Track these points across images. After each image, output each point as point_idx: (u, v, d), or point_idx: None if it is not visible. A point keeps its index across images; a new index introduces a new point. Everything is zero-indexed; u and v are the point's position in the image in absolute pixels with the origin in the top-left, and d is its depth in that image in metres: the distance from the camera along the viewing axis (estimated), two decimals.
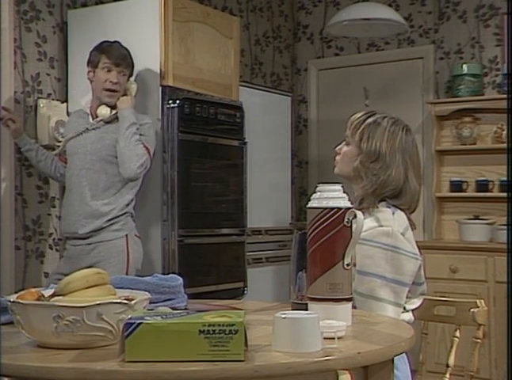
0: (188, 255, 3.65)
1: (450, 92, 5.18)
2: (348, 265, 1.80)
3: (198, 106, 3.73)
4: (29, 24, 3.75)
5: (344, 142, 2.38)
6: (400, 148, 2.22)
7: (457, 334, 2.35)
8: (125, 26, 3.71)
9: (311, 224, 1.82)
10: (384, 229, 2.14)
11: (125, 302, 1.47)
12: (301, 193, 5.86)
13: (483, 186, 4.94)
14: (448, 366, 2.33)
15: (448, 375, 2.30)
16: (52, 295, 1.53)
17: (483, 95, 5.01)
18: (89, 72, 3.36)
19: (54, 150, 3.78)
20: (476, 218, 4.90)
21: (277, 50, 5.68)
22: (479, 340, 2.30)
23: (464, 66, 5.02)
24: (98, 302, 1.44)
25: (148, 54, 3.61)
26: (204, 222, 3.79)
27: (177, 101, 3.59)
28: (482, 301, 2.35)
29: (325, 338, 1.53)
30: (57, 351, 1.46)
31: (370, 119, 2.27)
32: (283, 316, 1.49)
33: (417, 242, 5.05)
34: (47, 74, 3.81)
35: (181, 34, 3.69)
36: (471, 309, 2.30)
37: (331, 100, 5.76)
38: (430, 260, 4.75)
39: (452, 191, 5.06)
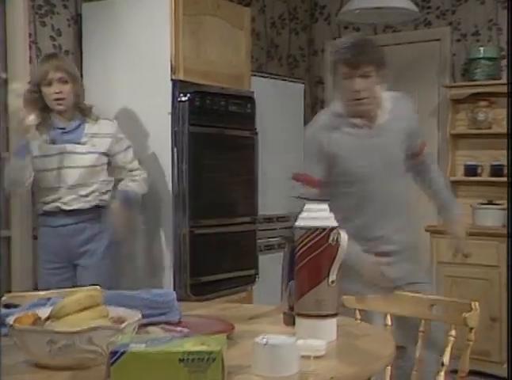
0: (199, 245, 3.75)
1: (466, 75, 5.17)
2: (333, 282, 1.88)
3: (209, 99, 3.79)
4: (44, 19, 3.83)
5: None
6: None
7: (453, 333, 2.40)
8: (137, 20, 3.77)
9: (299, 243, 1.90)
10: None
11: (115, 326, 1.57)
12: None
13: (497, 170, 4.95)
14: (443, 364, 2.39)
15: (443, 374, 2.38)
16: (47, 318, 1.64)
17: (499, 79, 4.99)
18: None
19: None
20: (490, 203, 4.92)
21: (293, 32, 5.70)
22: (470, 343, 2.35)
23: (481, 49, 5.00)
24: (89, 328, 1.54)
25: (159, 48, 3.67)
26: (216, 212, 3.88)
27: (188, 95, 3.66)
28: (476, 303, 2.39)
29: (305, 357, 1.63)
30: (52, 372, 1.57)
31: None
32: (263, 341, 1.57)
33: (430, 226, 4.97)
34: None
35: (192, 27, 3.74)
36: (463, 314, 2.35)
37: None
38: (443, 244, 4.80)
39: (466, 175, 5.07)
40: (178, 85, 3.65)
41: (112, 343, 1.55)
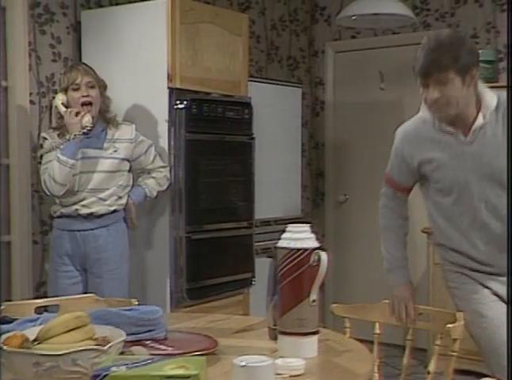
0: (196, 250, 3.81)
1: None
2: (314, 301, 1.94)
3: (206, 106, 3.84)
4: (44, 27, 3.88)
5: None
6: None
7: (438, 342, 2.46)
8: (135, 28, 3.82)
9: (281, 263, 1.96)
10: None
11: (98, 348, 1.64)
12: (318, 174, 5.98)
13: None
14: (429, 372, 2.45)
15: None
16: (35, 340, 1.71)
17: (497, 82, 5.01)
18: None
19: None
20: None
21: (293, 33, 5.73)
22: (454, 354, 2.40)
23: (479, 51, 5.01)
24: (73, 350, 1.61)
25: (156, 56, 3.73)
26: (213, 217, 3.94)
27: (185, 102, 3.72)
28: (461, 314, 2.43)
29: (284, 376, 1.70)
30: None
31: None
32: (241, 363, 1.64)
33: (427, 227, 5.02)
34: (62, 74, 3.94)
35: (189, 36, 3.79)
36: (447, 325, 2.39)
37: (348, 82, 5.82)
38: None
39: None
40: (175, 93, 3.71)
41: (96, 363, 1.61)
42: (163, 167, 3.68)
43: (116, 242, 3.51)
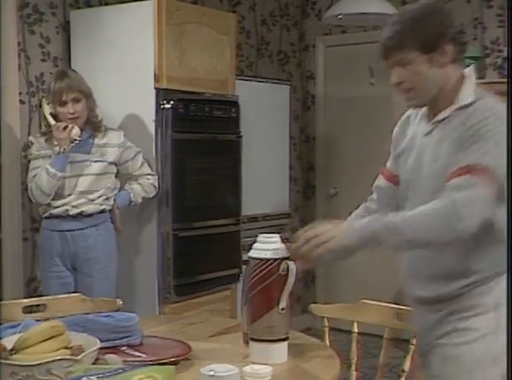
0: (183, 247, 3.88)
1: None
2: (283, 309, 2.02)
3: (192, 105, 3.90)
4: (33, 27, 3.93)
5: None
6: None
7: (413, 342, 2.53)
8: (123, 28, 3.87)
9: (251, 272, 2.04)
10: None
11: (72, 358, 1.72)
12: (308, 168, 6.05)
13: None
14: (403, 371, 2.53)
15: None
16: (12, 349, 1.79)
17: (483, 78, 5.07)
18: None
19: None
20: None
21: (284, 28, 5.78)
22: None
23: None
24: (47, 360, 1.69)
25: (143, 57, 3.78)
26: (200, 215, 4.02)
27: (171, 102, 3.78)
28: None
29: None
30: None
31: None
32: (208, 373, 1.72)
33: None
34: (51, 73, 3.97)
35: (176, 36, 3.84)
36: None
37: (338, 77, 5.87)
38: None
39: None
40: (161, 94, 3.77)
41: (70, 372, 1.69)
42: (151, 175, 3.74)
43: (105, 242, 3.58)
